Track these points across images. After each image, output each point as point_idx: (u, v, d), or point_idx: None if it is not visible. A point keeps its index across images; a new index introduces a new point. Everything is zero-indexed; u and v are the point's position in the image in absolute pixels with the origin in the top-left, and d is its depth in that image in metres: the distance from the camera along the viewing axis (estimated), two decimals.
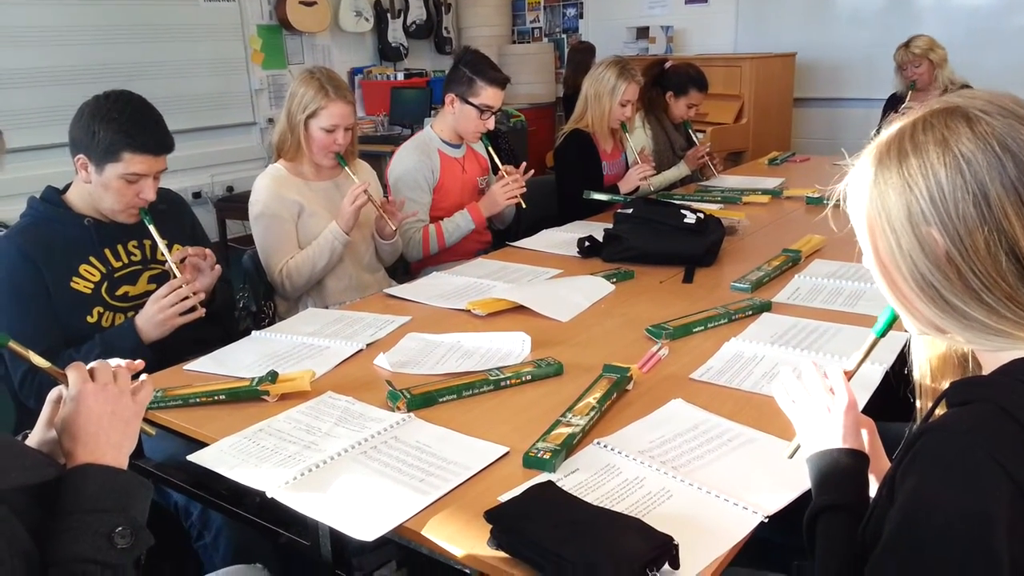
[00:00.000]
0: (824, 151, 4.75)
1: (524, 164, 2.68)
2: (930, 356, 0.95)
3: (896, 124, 0.84)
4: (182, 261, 1.82)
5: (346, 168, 2.33)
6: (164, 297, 1.74)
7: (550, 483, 1.15)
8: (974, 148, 0.76)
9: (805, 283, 2.06)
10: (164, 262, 1.83)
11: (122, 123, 1.70)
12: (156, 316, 1.74)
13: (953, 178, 0.76)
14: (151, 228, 1.81)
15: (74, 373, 1.03)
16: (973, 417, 0.74)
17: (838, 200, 0.88)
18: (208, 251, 1.88)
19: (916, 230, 0.79)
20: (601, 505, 1.11)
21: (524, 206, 2.68)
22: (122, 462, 1.00)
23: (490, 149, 2.73)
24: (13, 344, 1.08)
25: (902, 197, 0.79)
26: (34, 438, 1.08)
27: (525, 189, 2.63)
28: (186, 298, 1.75)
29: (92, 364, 1.06)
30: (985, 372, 0.84)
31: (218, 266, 1.88)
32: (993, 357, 0.82)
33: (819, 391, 1.03)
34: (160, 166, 1.79)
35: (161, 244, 1.81)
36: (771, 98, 5.24)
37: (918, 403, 0.98)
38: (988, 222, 0.75)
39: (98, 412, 1.00)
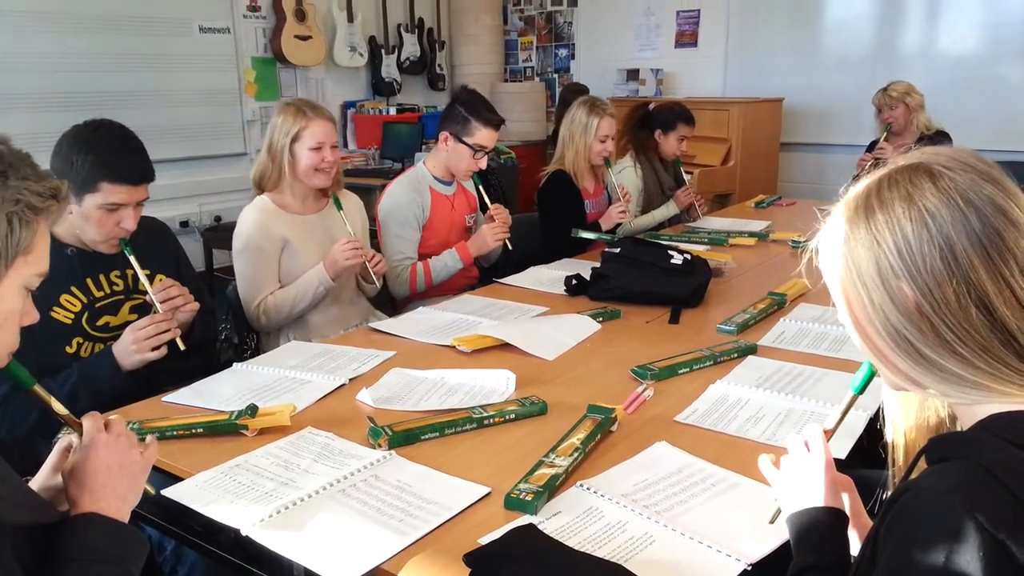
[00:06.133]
0: (810, 195, 4.80)
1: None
2: (905, 418, 0.95)
3: (863, 181, 0.85)
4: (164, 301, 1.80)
5: (341, 214, 2.30)
6: (142, 328, 1.72)
7: (531, 526, 1.13)
8: (938, 203, 0.77)
9: (790, 327, 2.06)
10: (147, 292, 1.81)
11: (100, 153, 1.69)
12: (131, 347, 1.71)
13: (919, 232, 0.77)
14: (132, 259, 1.79)
15: (90, 422, 1.04)
16: (954, 476, 0.73)
17: (811, 255, 0.89)
18: (177, 284, 1.85)
19: (886, 284, 0.79)
20: (583, 550, 1.09)
21: (511, 248, 2.68)
22: (125, 515, 1.01)
23: (480, 188, 2.74)
24: (38, 388, 1.07)
25: (871, 252, 0.80)
26: (37, 482, 1.08)
27: (509, 234, 2.65)
28: (166, 331, 1.74)
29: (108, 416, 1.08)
30: (963, 427, 0.83)
31: (192, 303, 1.85)
32: (970, 411, 0.81)
33: (798, 451, 1.03)
34: (140, 195, 1.77)
35: (142, 276, 1.80)
36: (758, 142, 5.31)
37: (890, 470, 0.98)
38: (956, 275, 0.76)
39: (107, 463, 1.01)
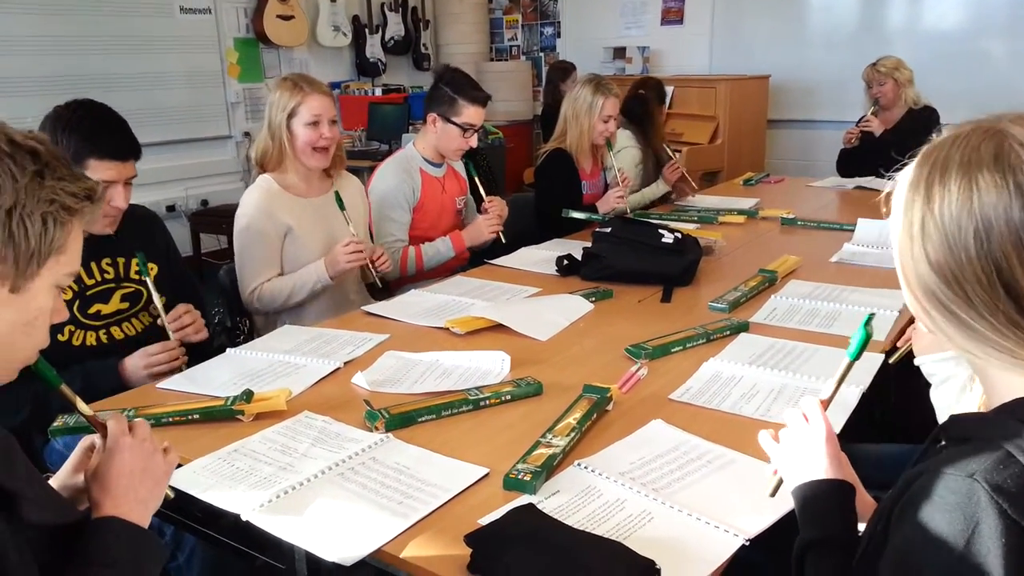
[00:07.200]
0: (797, 172, 4.81)
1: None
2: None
3: (945, 133, 0.82)
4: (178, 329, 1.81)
5: (344, 214, 2.23)
6: (155, 355, 1.74)
7: (531, 506, 1.14)
8: (990, 180, 0.74)
9: (782, 303, 2.08)
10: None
11: (84, 130, 1.68)
12: (141, 371, 1.73)
13: (963, 203, 0.75)
14: (148, 281, 1.80)
15: (115, 424, 1.03)
16: (976, 459, 0.72)
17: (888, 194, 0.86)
18: (191, 309, 1.87)
19: (926, 242, 0.78)
20: (582, 528, 1.10)
21: (504, 240, 2.66)
22: (146, 520, 1.00)
23: (476, 179, 2.69)
24: (64, 388, 1.06)
25: (920, 208, 0.79)
26: (57, 480, 1.07)
27: (503, 227, 2.64)
28: (176, 359, 1.76)
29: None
30: (989, 402, 0.82)
31: (203, 332, 1.86)
32: (993, 384, 0.80)
33: (796, 424, 1.01)
34: (129, 172, 1.76)
35: (158, 302, 1.80)
36: (745, 119, 5.31)
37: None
38: (988, 255, 0.74)
39: (131, 466, 1.01)
